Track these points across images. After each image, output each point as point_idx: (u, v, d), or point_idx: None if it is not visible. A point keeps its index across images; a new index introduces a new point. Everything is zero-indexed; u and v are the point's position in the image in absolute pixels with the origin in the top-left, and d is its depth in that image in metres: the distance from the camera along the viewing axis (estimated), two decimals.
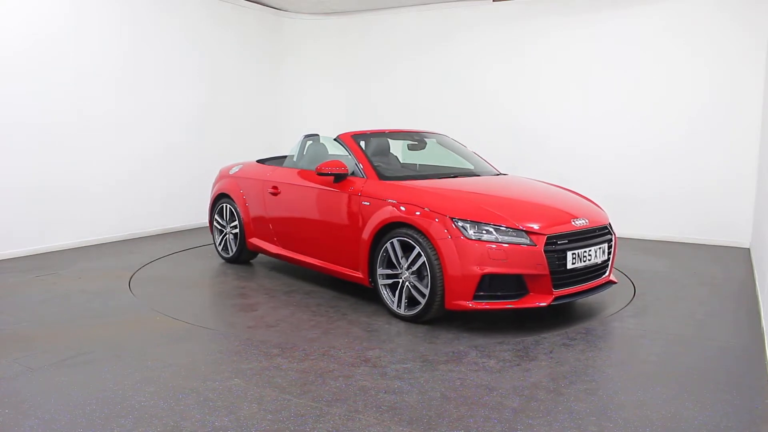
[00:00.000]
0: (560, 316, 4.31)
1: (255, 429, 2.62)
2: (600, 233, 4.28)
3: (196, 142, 7.97)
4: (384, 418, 2.73)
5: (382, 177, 4.62)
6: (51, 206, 6.30)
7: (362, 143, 5.29)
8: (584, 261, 4.07)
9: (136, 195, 7.20)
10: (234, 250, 5.88)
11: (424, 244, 3.96)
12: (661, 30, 7.16)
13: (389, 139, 5.55)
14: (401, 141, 5.74)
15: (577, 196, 4.80)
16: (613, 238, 4.42)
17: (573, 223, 4.12)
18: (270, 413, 2.76)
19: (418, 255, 4.01)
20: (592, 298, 4.68)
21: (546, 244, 3.88)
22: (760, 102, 6.62)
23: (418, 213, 4.08)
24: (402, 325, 4.10)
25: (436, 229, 3.93)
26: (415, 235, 4.03)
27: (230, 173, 6.09)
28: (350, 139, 5.01)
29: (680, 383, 3.14)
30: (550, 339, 3.82)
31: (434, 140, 5.67)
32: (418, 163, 5.67)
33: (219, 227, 6.06)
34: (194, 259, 6.20)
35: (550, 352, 3.61)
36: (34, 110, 6.09)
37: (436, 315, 4.03)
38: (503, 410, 2.82)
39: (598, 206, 4.69)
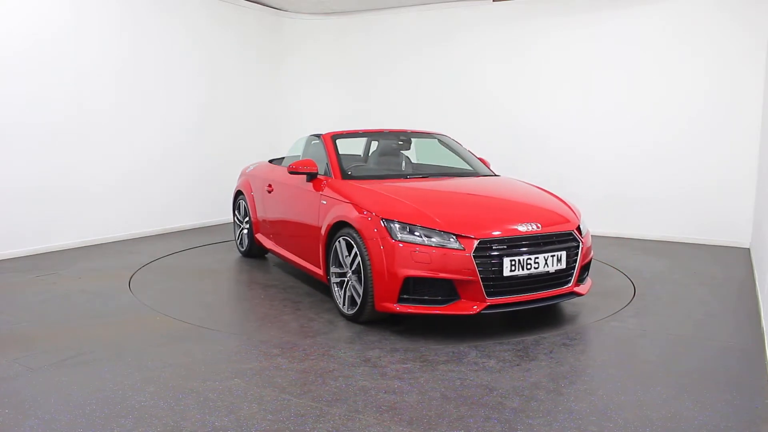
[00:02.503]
0: (560, 316, 4.31)
1: (255, 429, 2.62)
2: (556, 240, 3.96)
3: (197, 142, 7.97)
4: (384, 418, 2.73)
5: (345, 176, 4.69)
6: (51, 206, 6.30)
7: (371, 143, 5.51)
8: (528, 269, 3.81)
9: (137, 195, 7.20)
10: (246, 244, 6.15)
11: (360, 243, 3.95)
12: (661, 30, 7.16)
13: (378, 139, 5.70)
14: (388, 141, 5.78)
15: (553, 199, 4.55)
16: (580, 246, 4.09)
17: (518, 227, 3.86)
18: (270, 413, 2.76)
19: (356, 255, 4.01)
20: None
21: (478, 248, 3.69)
22: (760, 102, 6.62)
23: (356, 213, 4.08)
24: (341, 323, 4.12)
25: (368, 229, 3.92)
26: (354, 235, 4.02)
27: (246, 172, 6.42)
28: (329, 139, 5.09)
29: (680, 383, 3.14)
30: (550, 339, 3.82)
31: (436, 140, 5.67)
32: (425, 163, 5.70)
33: (237, 222, 6.40)
34: (194, 258, 6.20)
35: (550, 352, 3.60)
36: (34, 110, 6.08)
37: (370, 317, 4.00)
38: (503, 410, 2.82)
39: (573, 211, 4.37)
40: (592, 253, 4.43)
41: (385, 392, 3.00)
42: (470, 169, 5.28)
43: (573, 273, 4.07)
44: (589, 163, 7.67)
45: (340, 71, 9.35)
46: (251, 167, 6.42)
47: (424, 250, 3.72)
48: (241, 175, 6.50)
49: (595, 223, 7.58)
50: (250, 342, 3.77)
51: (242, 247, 6.28)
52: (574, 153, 7.73)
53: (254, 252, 6.10)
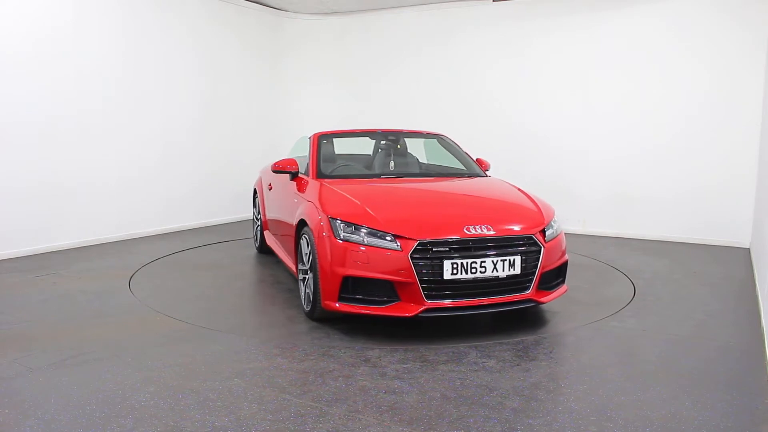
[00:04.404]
0: (560, 316, 4.31)
1: (255, 429, 2.62)
2: (507, 244, 3.79)
3: (197, 142, 7.97)
4: (384, 418, 2.73)
5: (319, 176, 4.73)
6: (51, 206, 6.29)
7: (380, 143, 5.56)
8: (473, 273, 3.68)
9: (137, 195, 7.20)
10: (259, 241, 6.42)
11: (312, 241, 3.99)
12: (660, 30, 7.16)
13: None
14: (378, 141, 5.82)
15: (525, 201, 4.35)
16: (541, 251, 3.88)
17: (465, 230, 3.73)
18: (270, 413, 2.76)
19: (311, 252, 4.06)
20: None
21: (417, 250, 3.61)
22: (760, 102, 6.62)
23: (312, 212, 4.12)
24: (301, 320, 4.17)
25: (318, 227, 3.96)
26: (309, 233, 4.07)
27: (262, 170, 6.69)
28: (314, 138, 5.15)
29: (680, 383, 3.14)
30: (550, 339, 3.82)
31: (435, 140, 5.67)
32: (430, 163, 5.72)
33: (255, 219, 6.65)
34: (194, 258, 6.20)
35: (550, 352, 3.60)
36: (34, 110, 6.08)
37: (321, 314, 4.00)
38: (503, 410, 2.82)
39: (542, 214, 4.14)
40: (565, 257, 4.22)
41: (385, 392, 3.00)
42: (461, 169, 5.21)
43: (532, 279, 3.89)
44: (589, 163, 7.67)
45: (340, 71, 9.35)
46: (267, 166, 6.60)
47: (362, 250, 3.71)
48: (259, 174, 6.75)
49: (595, 223, 7.60)
50: (250, 342, 3.76)
51: (256, 243, 6.51)
52: (574, 153, 7.73)
53: (265, 248, 6.25)
